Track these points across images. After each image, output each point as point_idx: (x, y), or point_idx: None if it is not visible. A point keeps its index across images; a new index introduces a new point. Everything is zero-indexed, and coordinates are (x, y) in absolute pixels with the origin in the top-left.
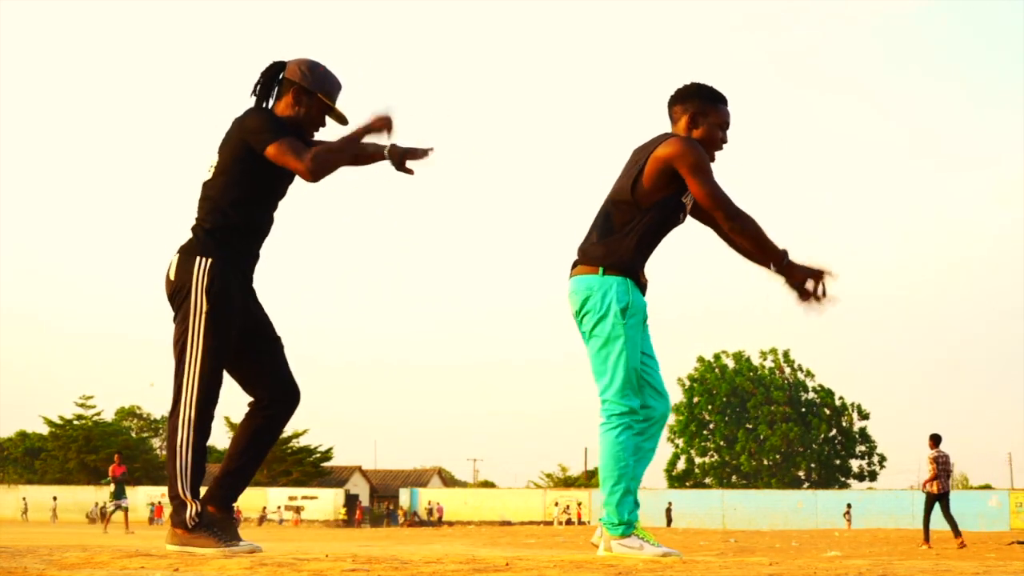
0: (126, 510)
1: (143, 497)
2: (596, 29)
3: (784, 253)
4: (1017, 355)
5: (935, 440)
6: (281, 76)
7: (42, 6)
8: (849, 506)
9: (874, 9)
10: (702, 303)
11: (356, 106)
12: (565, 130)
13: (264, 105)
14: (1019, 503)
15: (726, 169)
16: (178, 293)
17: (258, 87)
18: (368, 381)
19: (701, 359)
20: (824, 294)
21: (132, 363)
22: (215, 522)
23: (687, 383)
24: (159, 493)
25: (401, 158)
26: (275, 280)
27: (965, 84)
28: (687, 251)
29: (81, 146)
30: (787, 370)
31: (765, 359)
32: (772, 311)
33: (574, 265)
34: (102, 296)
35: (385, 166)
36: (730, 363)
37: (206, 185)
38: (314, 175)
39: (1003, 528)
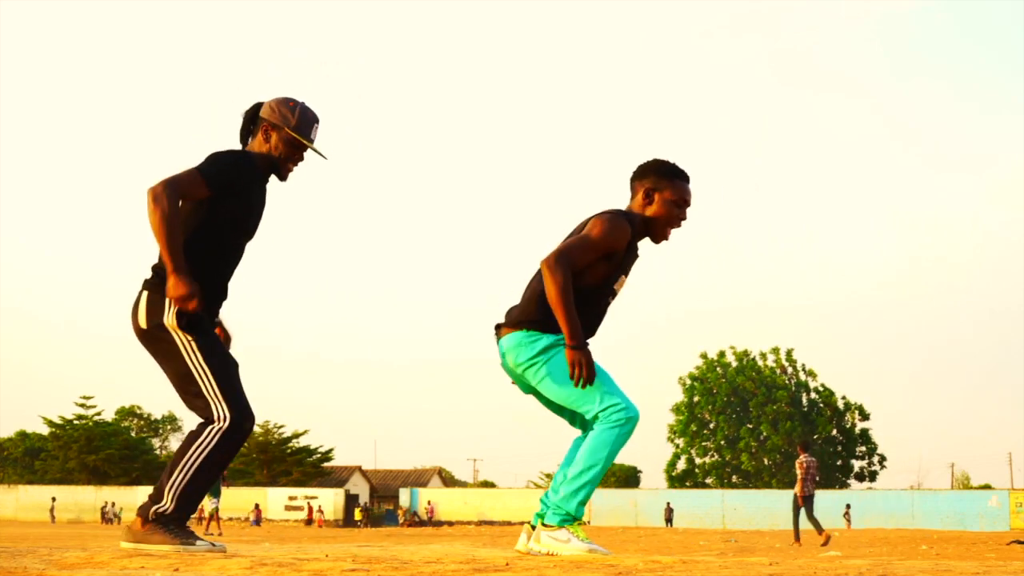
0: (216, 511)
1: (143, 497)
2: (585, 29)
3: (576, 343)
4: (1017, 355)
5: (804, 447)
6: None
7: (44, 6)
8: (849, 506)
9: (871, 9)
10: (702, 303)
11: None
12: (565, 128)
13: (244, 144)
14: (1019, 503)
15: (729, 175)
16: (150, 333)
17: (241, 128)
18: (368, 381)
19: (704, 356)
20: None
21: (132, 363)
22: (171, 521)
23: (688, 382)
24: None
25: (178, 301)
26: (275, 281)
27: (964, 84)
28: (687, 251)
29: (81, 146)
30: (789, 370)
31: (767, 359)
32: (775, 311)
33: (498, 328)
34: (102, 296)
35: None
36: (733, 362)
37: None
38: (151, 198)
39: (1003, 528)
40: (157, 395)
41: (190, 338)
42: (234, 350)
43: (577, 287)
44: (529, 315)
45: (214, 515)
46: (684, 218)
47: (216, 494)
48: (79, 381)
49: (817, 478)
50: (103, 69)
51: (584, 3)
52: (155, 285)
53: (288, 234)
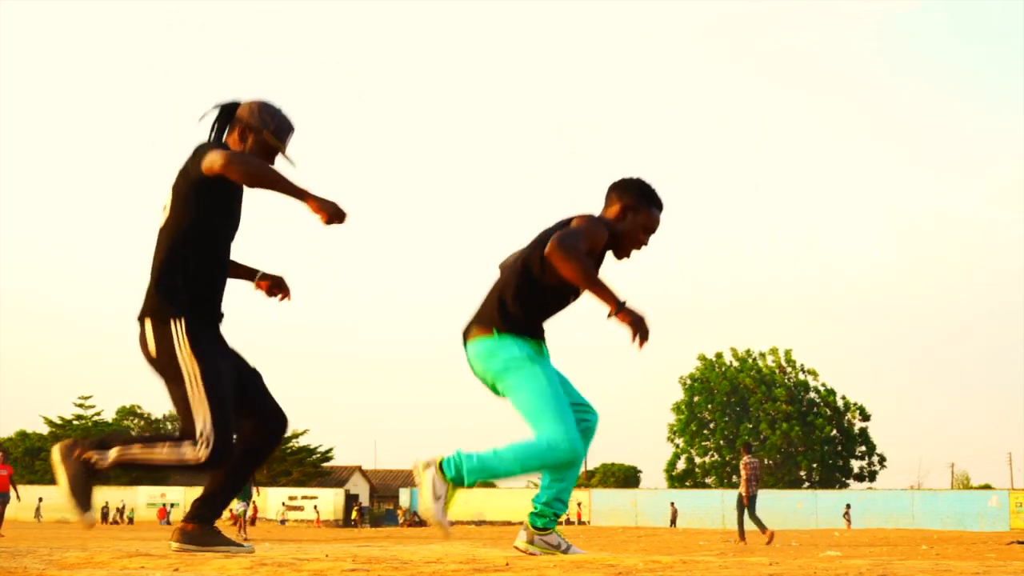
0: (243, 514)
1: (143, 497)
2: (585, 29)
3: (621, 303)
4: (1017, 355)
5: (747, 449)
6: (234, 114)
7: (47, 5)
8: (849, 506)
9: (870, 9)
10: (702, 302)
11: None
12: (565, 127)
13: (218, 140)
14: (1019, 503)
15: (730, 176)
16: (159, 361)
17: (214, 123)
18: (368, 381)
19: (703, 357)
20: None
21: (132, 363)
22: (98, 471)
23: (688, 382)
24: (159, 493)
25: (326, 214)
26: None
27: (963, 84)
28: (687, 250)
29: (80, 146)
30: (788, 369)
31: (766, 359)
32: (775, 310)
33: (465, 333)
34: (102, 296)
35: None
36: (733, 362)
37: (161, 230)
38: (236, 174)
39: (1003, 528)
40: (157, 395)
41: (197, 369)
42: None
43: (542, 284)
44: (493, 319)
45: (242, 518)
46: (646, 244)
47: (247, 497)
48: (80, 381)
49: (761, 478)
50: (103, 66)
51: (584, 3)
52: (159, 312)
53: (287, 234)
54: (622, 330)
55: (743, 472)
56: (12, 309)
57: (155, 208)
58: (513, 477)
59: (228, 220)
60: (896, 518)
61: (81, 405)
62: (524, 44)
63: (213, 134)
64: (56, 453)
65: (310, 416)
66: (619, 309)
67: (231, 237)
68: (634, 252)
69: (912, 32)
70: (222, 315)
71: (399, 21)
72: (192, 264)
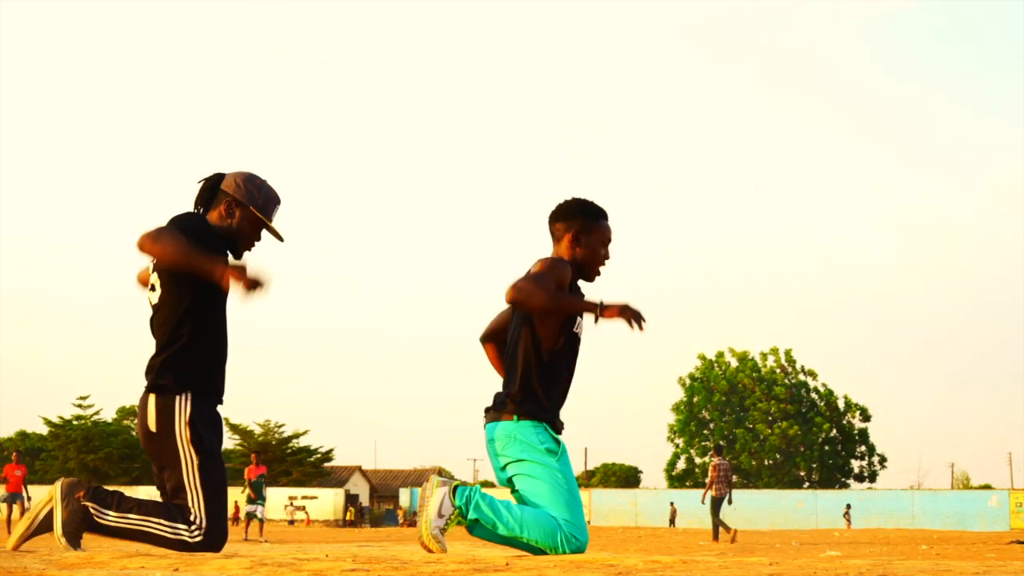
0: (262, 519)
1: (143, 496)
2: (584, 29)
3: (599, 304)
4: (1017, 355)
5: (717, 450)
6: (219, 187)
7: (48, 5)
8: (849, 506)
9: (870, 9)
10: (702, 302)
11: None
12: (564, 125)
13: (199, 212)
14: (1019, 503)
15: (729, 176)
16: (157, 438)
17: (197, 198)
18: (368, 380)
19: (702, 357)
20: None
21: (133, 363)
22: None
23: (687, 382)
24: (157, 495)
25: (248, 288)
26: (275, 280)
27: (963, 84)
28: (687, 250)
29: (81, 146)
30: (789, 370)
31: (766, 359)
32: (775, 310)
33: (487, 412)
34: (103, 295)
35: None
36: (733, 362)
37: (155, 308)
38: (150, 240)
39: (1003, 528)
40: None
41: (195, 458)
42: (234, 347)
43: (544, 353)
44: (517, 403)
45: (258, 520)
46: (608, 257)
47: (262, 500)
48: (80, 380)
49: (731, 480)
50: (104, 66)
51: (584, 3)
52: (163, 388)
53: (288, 234)
54: (619, 326)
55: (711, 473)
56: (12, 309)
57: (158, 208)
58: (506, 539)
59: (222, 306)
60: (896, 518)
61: (80, 405)
62: (524, 44)
63: (200, 208)
64: (58, 489)
65: (310, 416)
66: (601, 309)
67: (224, 321)
68: (601, 269)
69: (911, 32)
70: (223, 392)
71: (399, 21)
72: (194, 344)
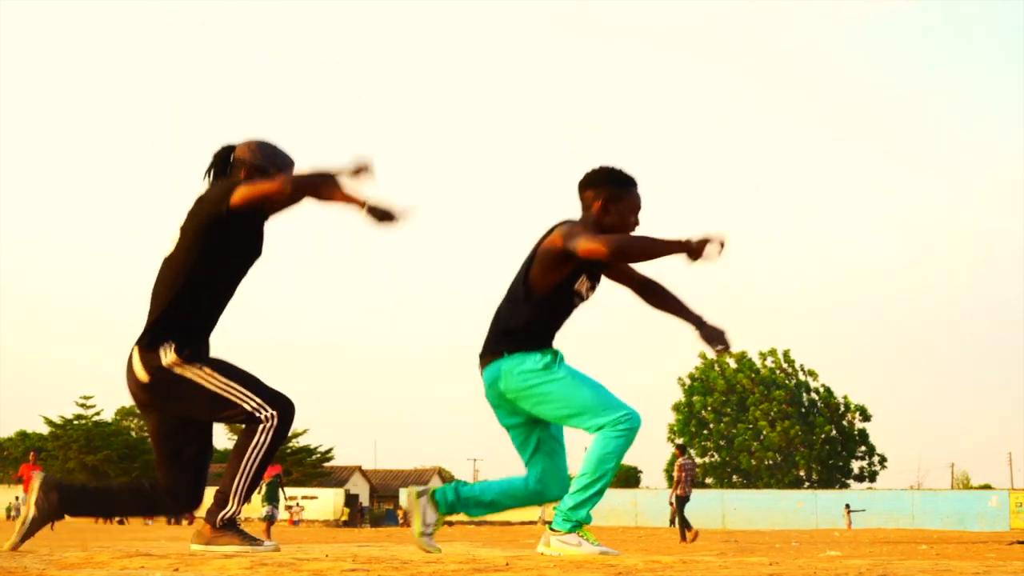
0: (273, 519)
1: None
2: (583, 29)
3: (687, 241)
4: (1017, 355)
5: (681, 450)
6: (232, 157)
7: (48, 5)
8: (849, 506)
9: (870, 9)
10: (702, 302)
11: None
12: (564, 124)
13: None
14: (1019, 503)
15: (729, 176)
16: (155, 383)
17: (210, 170)
18: (369, 380)
19: (702, 356)
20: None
21: None
22: (236, 523)
23: (687, 382)
24: None
25: (378, 217)
26: (276, 280)
27: (961, 84)
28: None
29: (81, 146)
30: (788, 370)
31: (765, 360)
32: (774, 310)
33: (482, 357)
34: (103, 295)
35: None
36: (732, 363)
37: (166, 261)
38: (288, 186)
39: (1003, 528)
40: None
41: (198, 365)
42: (233, 346)
43: (537, 297)
44: (499, 343)
45: (271, 520)
46: (638, 224)
47: (275, 500)
48: (80, 380)
49: (695, 480)
50: (104, 65)
51: (584, 3)
52: (145, 341)
53: (288, 234)
54: (712, 251)
55: (676, 473)
56: (12, 308)
57: (159, 208)
58: (613, 477)
59: (236, 266)
60: (896, 518)
61: (82, 405)
62: (524, 44)
63: (213, 179)
64: (200, 541)
65: (310, 416)
66: (682, 248)
67: (236, 282)
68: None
69: (911, 32)
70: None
71: (399, 21)
72: (193, 302)
